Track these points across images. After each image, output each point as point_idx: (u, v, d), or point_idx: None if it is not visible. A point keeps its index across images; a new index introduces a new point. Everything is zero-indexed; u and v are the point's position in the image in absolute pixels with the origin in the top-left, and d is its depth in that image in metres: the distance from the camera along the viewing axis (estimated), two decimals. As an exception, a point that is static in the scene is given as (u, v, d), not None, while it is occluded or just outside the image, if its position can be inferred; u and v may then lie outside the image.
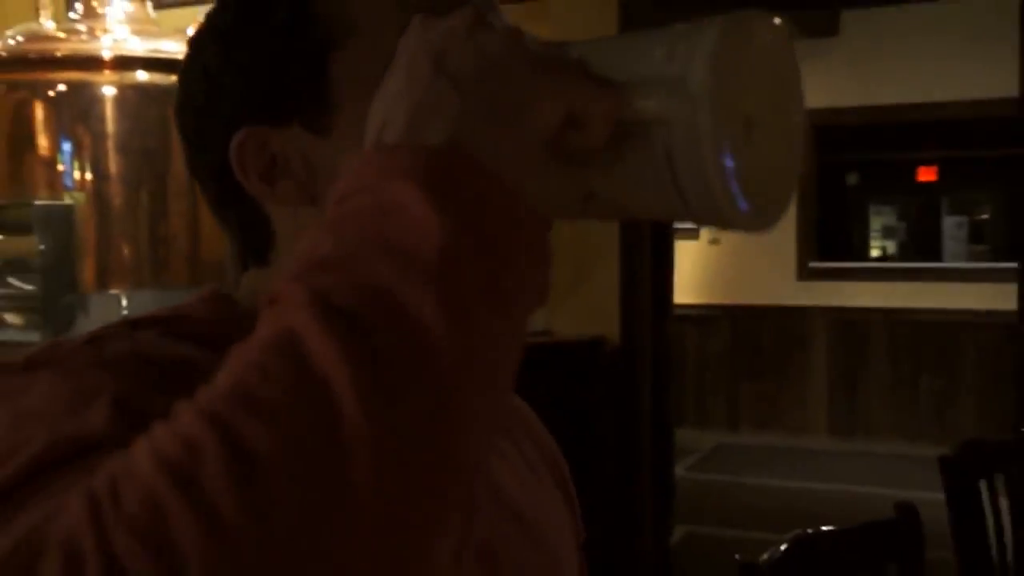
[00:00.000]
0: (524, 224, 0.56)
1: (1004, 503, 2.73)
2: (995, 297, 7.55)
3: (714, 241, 9.29)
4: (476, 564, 0.88)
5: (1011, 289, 4.79)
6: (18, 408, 0.65)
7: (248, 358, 0.51)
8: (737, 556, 1.88)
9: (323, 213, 0.69)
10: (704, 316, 9.02)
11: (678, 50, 0.59)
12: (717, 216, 0.62)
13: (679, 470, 6.19)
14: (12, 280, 4.83)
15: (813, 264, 9.17)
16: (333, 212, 0.56)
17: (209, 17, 0.97)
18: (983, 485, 2.66)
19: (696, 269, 9.07)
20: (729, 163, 0.59)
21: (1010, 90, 4.70)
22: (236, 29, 0.92)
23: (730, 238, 9.24)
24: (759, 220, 0.63)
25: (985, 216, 9.76)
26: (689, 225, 8.99)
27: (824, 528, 2.06)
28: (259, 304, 0.61)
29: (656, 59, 0.60)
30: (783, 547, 1.94)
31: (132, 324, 0.82)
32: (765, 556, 1.90)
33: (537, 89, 0.58)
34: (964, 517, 2.61)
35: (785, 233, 9.11)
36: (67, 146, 4.93)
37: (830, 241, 9.40)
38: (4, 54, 5.24)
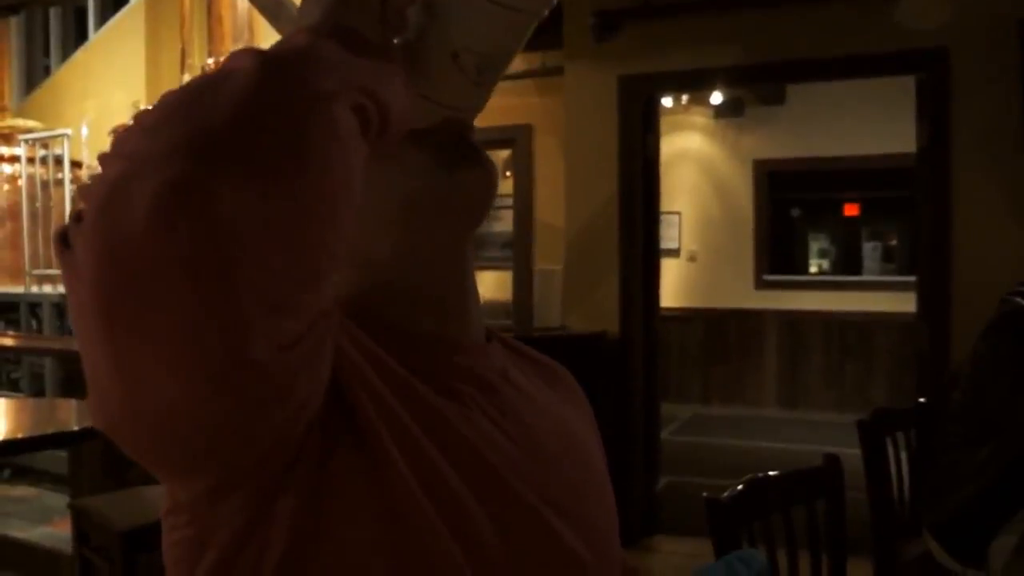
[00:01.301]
0: (368, 39, 0.65)
1: (904, 456, 2.74)
2: (900, 302, 7.53)
3: (691, 259, 9.27)
4: (535, 464, 0.82)
5: (912, 296, 4.79)
6: None
7: None
8: (705, 494, 1.89)
9: None
10: (683, 316, 8.99)
11: None
12: (539, 2, 0.68)
13: (663, 434, 6.18)
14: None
15: (766, 277, 9.13)
16: None
17: None
18: (889, 442, 2.67)
19: (677, 280, 9.05)
20: None
21: (912, 147, 4.70)
22: None
23: (703, 257, 9.22)
24: None
25: (894, 242, 9.73)
26: (673, 246, 9.02)
27: (771, 473, 2.07)
28: None
29: None
30: (739, 487, 1.95)
31: None
32: (725, 494, 1.91)
33: None
34: (875, 466, 2.62)
35: (745, 253, 9.10)
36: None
37: (779, 259, 9.36)
38: (155, 119, 5.33)
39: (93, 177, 0.56)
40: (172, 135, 0.54)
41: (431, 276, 0.84)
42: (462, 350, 0.86)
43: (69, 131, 6.45)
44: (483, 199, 0.84)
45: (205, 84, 0.58)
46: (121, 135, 0.57)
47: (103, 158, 0.56)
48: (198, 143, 0.53)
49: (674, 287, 8.85)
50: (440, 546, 0.71)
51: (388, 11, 0.67)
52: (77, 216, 0.55)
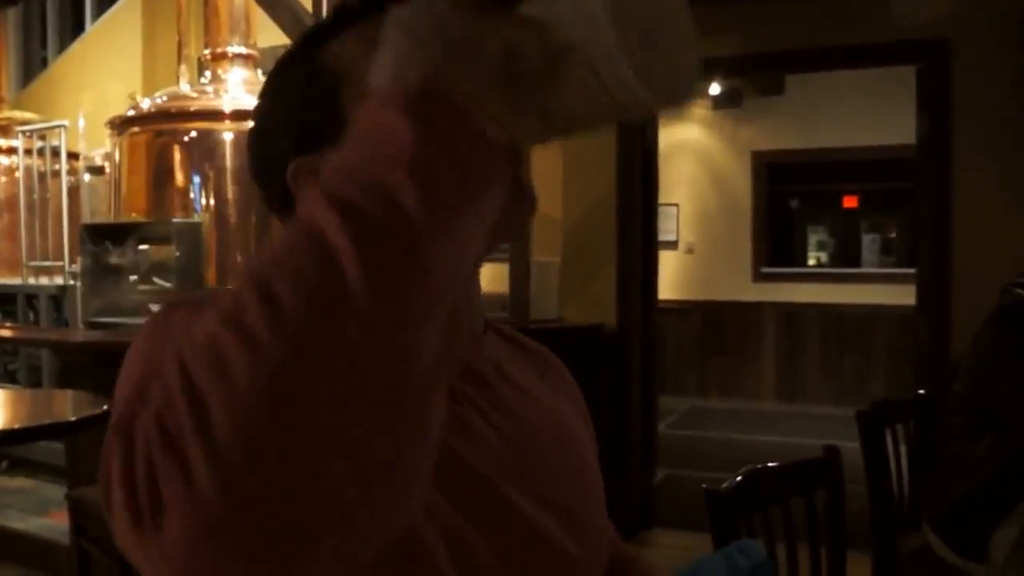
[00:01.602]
0: (480, 132, 0.57)
1: (903, 448, 2.73)
2: (899, 295, 7.52)
3: (689, 251, 9.25)
4: (526, 460, 0.86)
5: (911, 289, 4.77)
6: (155, 339, 0.71)
7: (282, 238, 0.54)
8: (704, 485, 1.88)
9: None
10: (681, 309, 8.97)
11: None
12: (642, 106, 0.62)
13: (661, 427, 6.16)
14: (155, 279, 4.87)
15: (764, 269, 9.12)
16: (346, 143, 0.57)
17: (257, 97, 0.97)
18: (888, 434, 2.66)
19: (675, 272, 9.03)
20: (635, 62, 0.59)
21: (912, 138, 4.68)
22: (272, 93, 0.93)
23: (701, 249, 9.21)
24: (675, 102, 0.64)
25: (893, 235, 9.72)
26: (670, 238, 9.01)
27: (770, 464, 2.05)
28: None
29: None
30: (738, 478, 1.93)
31: None
32: (724, 485, 1.90)
33: (477, 32, 0.58)
34: (874, 457, 2.60)
35: (743, 245, 9.09)
36: (196, 178, 4.98)
37: (777, 252, 9.35)
38: (153, 110, 5.29)
39: (162, 409, 0.50)
40: (267, 425, 0.48)
41: None
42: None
43: (66, 122, 6.42)
44: (518, 231, 0.87)
45: (303, 301, 0.50)
46: (195, 347, 0.51)
47: (177, 371, 0.51)
48: (302, 469, 0.48)
49: (672, 279, 8.83)
50: (434, 565, 0.74)
51: (513, 65, 0.59)
52: (151, 495, 0.49)
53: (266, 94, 0.95)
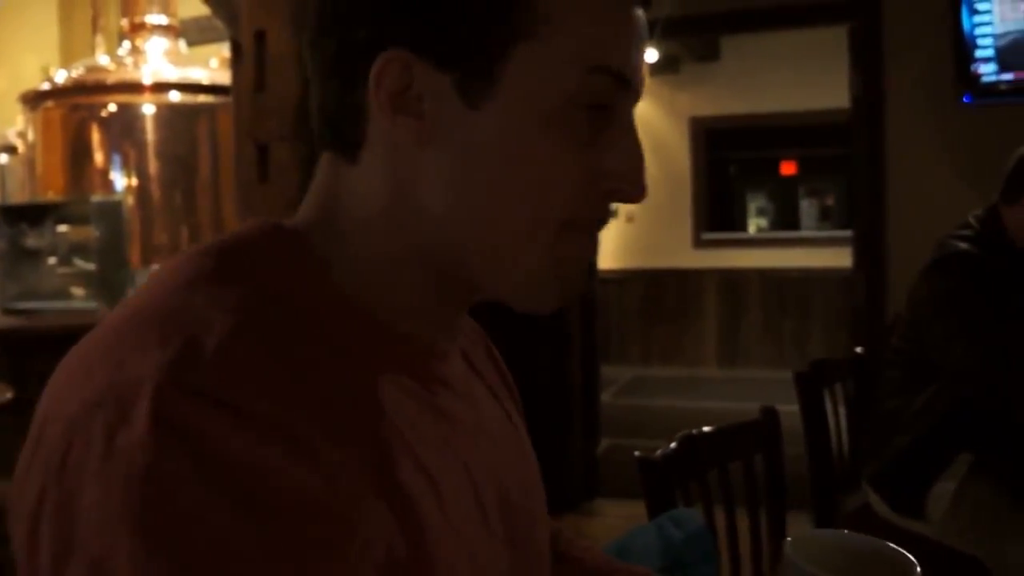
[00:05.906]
0: None
1: (842, 409, 2.72)
2: (836, 258, 7.63)
3: (630, 219, 9.23)
4: (474, 496, 0.77)
5: (847, 252, 4.79)
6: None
7: None
8: (636, 453, 1.82)
9: (424, 163, 0.67)
10: (623, 277, 8.98)
11: None
12: None
13: (604, 396, 6.15)
14: (76, 260, 4.72)
15: (705, 235, 9.15)
16: None
17: None
18: (827, 395, 2.64)
19: (617, 241, 9.02)
20: None
21: (847, 102, 4.67)
22: None
23: (642, 217, 9.20)
24: None
25: (830, 200, 9.85)
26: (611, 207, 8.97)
27: (705, 428, 2.01)
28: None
29: None
30: (673, 445, 1.89)
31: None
32: (658, 452, 1.85)
33: None
34: (813, 417, 2.58)
35: (683, 211, 9.10)
36: (116, 154, 4.84)
37: (717, 218, 9.40)
38: (68, 83, 5.12)
39: None
40: None
41: None
42: (437, 352, 0.77)
43: (-25, 98, 6.22)
44: None
45: None
46: None
47: None
48: None
49: (613, 248, 8.82)
50: None
51: None
52: None
53: None
